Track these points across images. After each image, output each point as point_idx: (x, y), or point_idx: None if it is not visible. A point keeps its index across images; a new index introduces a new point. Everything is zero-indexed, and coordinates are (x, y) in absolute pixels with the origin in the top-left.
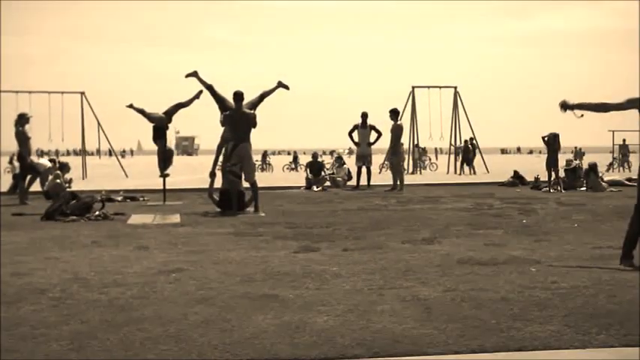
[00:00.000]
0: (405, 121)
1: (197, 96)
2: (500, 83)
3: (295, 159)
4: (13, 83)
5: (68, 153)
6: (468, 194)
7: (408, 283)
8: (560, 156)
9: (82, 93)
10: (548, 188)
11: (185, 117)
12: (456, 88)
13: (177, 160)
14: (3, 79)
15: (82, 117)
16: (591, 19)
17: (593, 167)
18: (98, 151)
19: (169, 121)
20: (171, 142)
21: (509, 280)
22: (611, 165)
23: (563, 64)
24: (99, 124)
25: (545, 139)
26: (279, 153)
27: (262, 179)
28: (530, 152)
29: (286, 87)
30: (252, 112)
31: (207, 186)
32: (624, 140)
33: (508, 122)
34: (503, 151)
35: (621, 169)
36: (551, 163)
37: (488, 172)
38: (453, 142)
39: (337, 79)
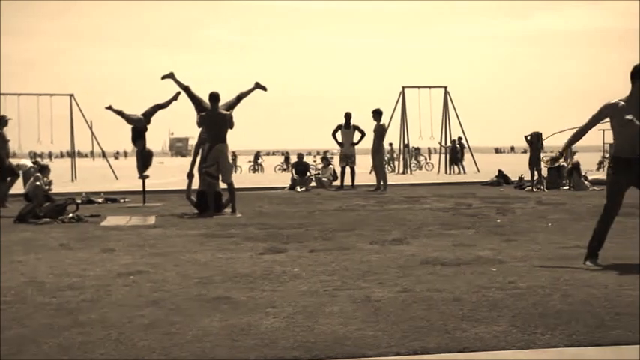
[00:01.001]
0: (395, 121)
1: (175, 97)
2: (497, 83)
3: (287, 159)
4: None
5: (62, 155)
6: (450, 194)
7: (365, 284)
8: (542, 155)
9: (71, 95)
10: (531, 187)
11: (179, 118)
12: (446, 88)
13: (170, 161)
14: None
15: (71, 119)
16: (590, 19)
17: (575, 166)
18: (92, 153)
19: (148, 122)
20: (165, 142)
21: (467, 281)
22: (601, 164)
23: (561, 64)
24: (89, 126)
25: (528, 138)
26: (274, 154)
27: (252, 180)
28: (525, 152)
29: (263, 88)
30: (228, 112)
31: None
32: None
33: (504, 122)
34: (497, 151)
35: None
36: (534, 163)
37: (479, 171)
38: (441, 142)
39: (333, 79)
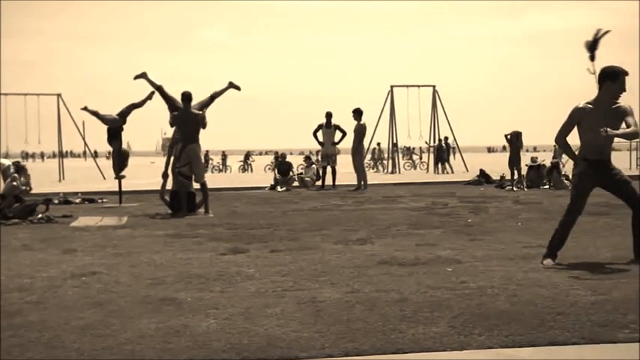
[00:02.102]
0: (384, 120)
1: (149, 97)
2: (495, 82)
3: (277, 159)
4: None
5: (54, 155)
6: (429, 193)
7: (316, 285)
8: (529, 154)
9: (59, 95)
10: (511, 187)
11: None
12: (434, 87)
13: (162, 161)
14: None
15: (59, 119)
16: (589, 19)
17: (555, 165)
18: (84, 153)
19: (124, 122)
20: (158, 142)
21: (419, 281)
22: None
23: (561, 63)
24: (77, 126)
25: (508, 137)
26: (267, 153)
27: (238, 180)
28: (535, 149)
29: (237, 87)
30: (200, 112)
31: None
32: None
33: (500, 121)
34: (490, 150)
35: None
36: (514, 162)
37: (467, 170)
38: (427, 142)
39: (331, 79)
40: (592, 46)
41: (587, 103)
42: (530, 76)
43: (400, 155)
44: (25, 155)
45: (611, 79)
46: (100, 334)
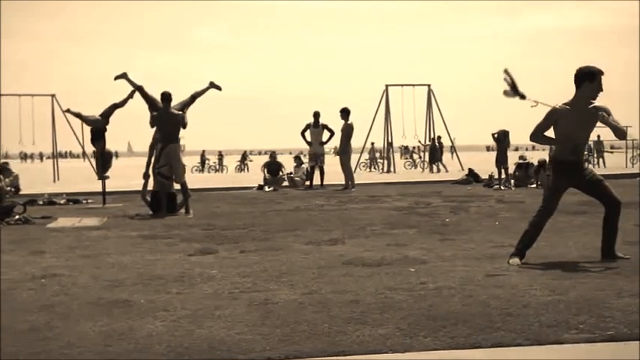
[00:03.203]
0: (379, 119)
1: (130, 95)
2: (494, 82)
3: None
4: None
5: (54, 156)
6: (415, 193)
7: (274, 287)
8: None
9: (53, 95)
10: (499, 186)
11: None
12: (429, 86)
13: None
14: None
15: (53, 119)
16: (590, 19)
17: (542, 164)
18: (84, 154)
19: (107, 122)
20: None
21: (378, 282)
22: (587, 161)
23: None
24: (71, 127)
25: (495, 135)
26: (266, 153)
27: (233, 180)
28: (516, 149)
29: (218, 87)
30: (180, 112)
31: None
32: (599, 136)
33: (501, 121)
34: (489, 149)
35: (597, 165)
36: (501, 161)
37: (463, 169)
38: (420, 141)
39: (332, 79)
40: (514, 88)
41: (565, 104)
42: (531, 76)
43: (398, 154)
44: (24, 156)
45: (589, 79)
46: (41, 337)
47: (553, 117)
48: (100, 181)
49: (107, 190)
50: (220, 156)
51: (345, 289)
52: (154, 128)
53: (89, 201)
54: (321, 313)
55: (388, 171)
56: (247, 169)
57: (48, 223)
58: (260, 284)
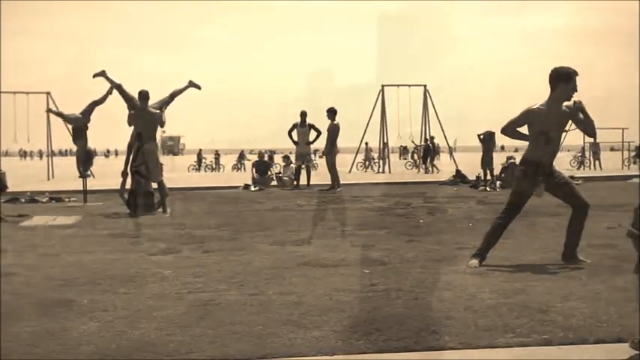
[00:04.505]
0: (375, 119)
1: (109, 92)
2: (492, 81)
3: (270, 158)
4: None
5: (54, 154)
6: (399, 193)
7: (223, 287)
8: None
9: (48, 93)
10: (484, 187)
11: (170, 116)
12: (425, 86)
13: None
14: None
15: (48, 117)
16: (590, 19)
17: (511, 165)
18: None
19: (88, 120)
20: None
21: (329, 283)
22: (582, 163)
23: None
24: (66, 125)
25: (481, 137)
26: (266, 153)
27: (228, 179)
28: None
29: (197, 87)
30: (157, 111)
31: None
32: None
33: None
34: None
35: (592, 167)
36: (487, 162)
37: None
38: (414, 142)
39: (331, 79)
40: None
41: (541, 105)
42: (531, 75)
43: (398, 155)
44: (24, 153)
45: (565, 80)
46: None
47: (528, 116)
48: (82, 179)
49: (99, 188)
50: (217, 155)
51: (292, 291)
52: (131, 127)
53: (72, 199)
54: (260, 315)
55: (383, 171)
56: (244, 168)
57: (22, 221)
58: (210, 285)
